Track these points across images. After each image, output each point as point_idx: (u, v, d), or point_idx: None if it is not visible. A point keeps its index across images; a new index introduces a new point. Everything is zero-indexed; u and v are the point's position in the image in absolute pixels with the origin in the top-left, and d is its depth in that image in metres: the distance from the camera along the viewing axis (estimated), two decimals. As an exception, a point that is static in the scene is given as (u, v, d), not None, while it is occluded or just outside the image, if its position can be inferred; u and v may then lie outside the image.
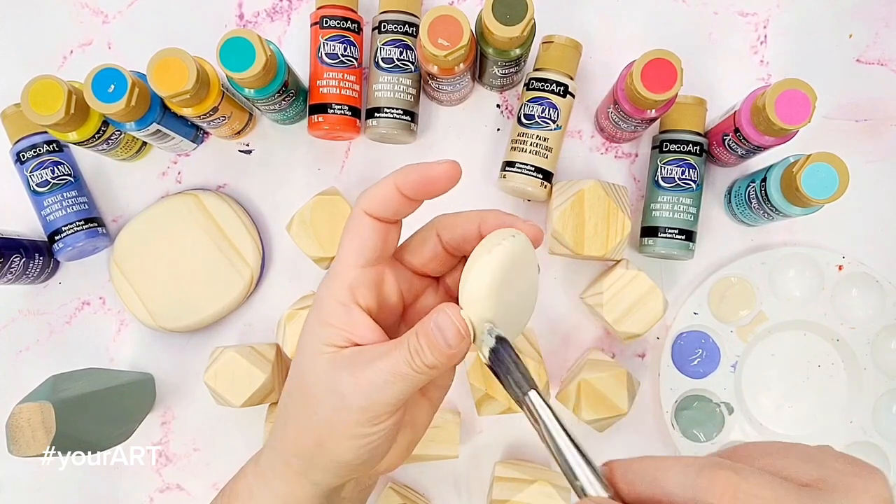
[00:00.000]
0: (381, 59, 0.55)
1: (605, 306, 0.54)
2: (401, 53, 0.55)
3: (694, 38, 0.60)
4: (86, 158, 0.60)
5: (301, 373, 0.32)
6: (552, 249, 0.56)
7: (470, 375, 0.53)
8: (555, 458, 0.27)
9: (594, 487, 0.25)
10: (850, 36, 0.60)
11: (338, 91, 0.55)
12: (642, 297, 0.53)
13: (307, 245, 0.55)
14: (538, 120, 0.55)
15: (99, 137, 0.54)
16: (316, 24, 0.55)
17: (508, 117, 0.61)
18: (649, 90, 0.48)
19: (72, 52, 0.61)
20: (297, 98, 0.56)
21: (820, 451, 0.26)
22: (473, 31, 0.51)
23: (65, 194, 0.57)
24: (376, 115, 0.56)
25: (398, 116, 0.56)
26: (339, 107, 0.56)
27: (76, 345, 0.60)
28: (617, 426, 0.54)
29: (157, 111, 0.52)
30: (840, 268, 0.58)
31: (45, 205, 0.57)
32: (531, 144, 0.55)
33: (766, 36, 0.60)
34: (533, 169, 0.55)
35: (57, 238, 0.57)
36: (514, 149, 0.56)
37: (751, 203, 0.54)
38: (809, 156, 0.48)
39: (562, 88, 0.54)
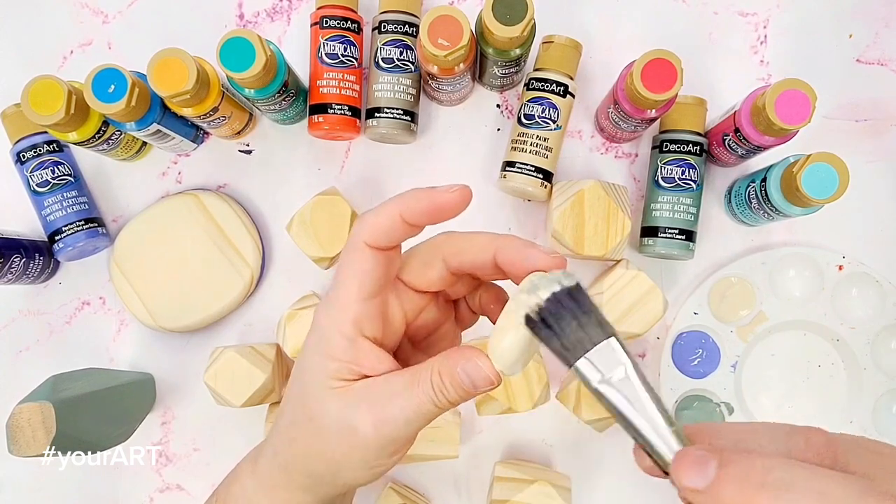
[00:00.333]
0: (382, 59, 0.55)
1: (605, 306, 0.54)
2: (401, 53, 0.55)
3: (694, 38, 0.60)
4: (86, 158, 0.60)
5: (307, 403, 0.31)
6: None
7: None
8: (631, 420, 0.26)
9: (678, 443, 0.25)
10: (851, 36, 0.60)
11: (338, 91, 0.55)
12: (642, 297, 0.53)
13: (307, 245, 0.55)
14: (538, 120, 0.55)
15: (99, 137, 0.54)
16: (316, 24, 0.55)
17: (508, 117, 0.61)
18: (649, 90, 0.48)
19: (72, 52, 0.61)
20: (297, 98, 0.56)
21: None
22: (473, 31, 0.51)
23: (65, 194, 0.57)
24: (376, 115, 0.56)
25: (398, 116, 0.56)
26: (339, 107, 0.56)
27: (76, 345, 0.60)
28: (617, 426, 0.54)
29: (158, 111, 0.52)
30: (840, 268, 0.58)
31: (46, 205, 0.57)
32: (531, 144, 0.55)
33: (766, 36, 0.60)
34: (533, 169, 0.55)
35: (57, 238, 0.57)
36: (514, 149, 0.56)
37: (751, 203, 0.54)
38: (809, 156, 0.48)
39: (562, 88, 0.54)
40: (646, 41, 0.59)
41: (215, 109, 0.53)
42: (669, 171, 0.55)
